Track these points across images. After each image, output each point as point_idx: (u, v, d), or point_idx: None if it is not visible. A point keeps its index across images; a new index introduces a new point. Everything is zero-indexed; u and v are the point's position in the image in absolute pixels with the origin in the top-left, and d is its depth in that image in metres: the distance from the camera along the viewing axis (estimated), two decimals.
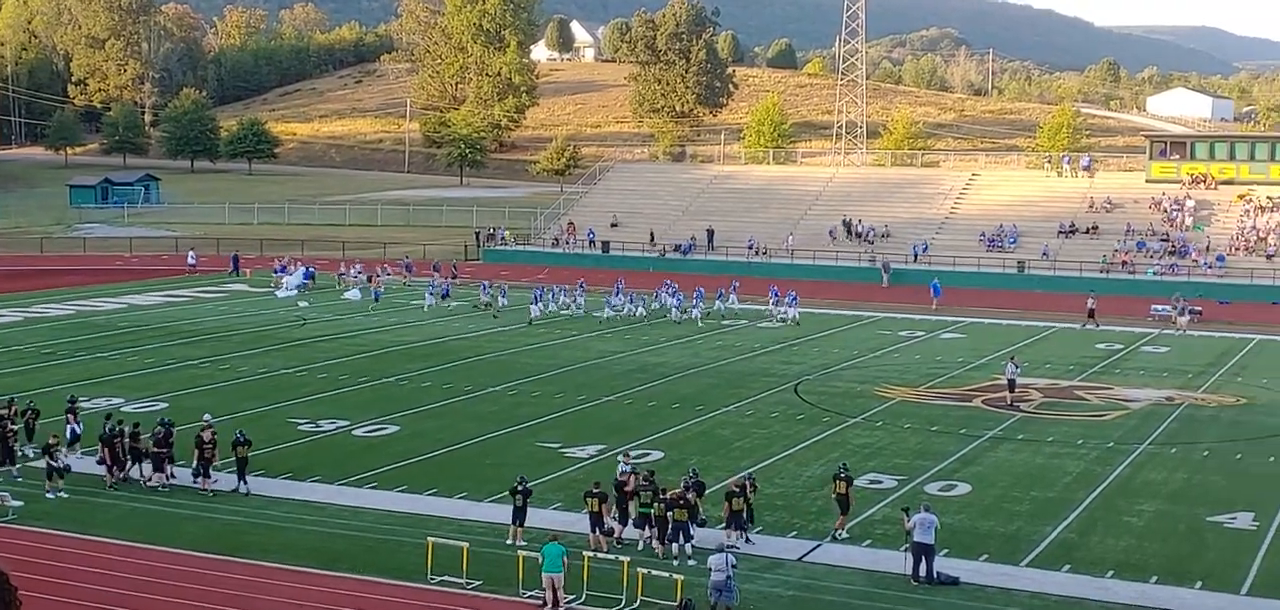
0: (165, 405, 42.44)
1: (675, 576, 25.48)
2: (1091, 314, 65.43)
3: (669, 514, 28.22)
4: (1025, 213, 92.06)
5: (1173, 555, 28.87)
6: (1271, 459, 37.89)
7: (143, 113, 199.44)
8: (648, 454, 36.47)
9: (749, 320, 65.43)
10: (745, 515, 29.07)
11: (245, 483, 32.65)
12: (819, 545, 29.20)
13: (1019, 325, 65.74)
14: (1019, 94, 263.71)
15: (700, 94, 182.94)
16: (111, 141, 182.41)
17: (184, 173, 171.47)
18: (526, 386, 47.60)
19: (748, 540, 28.86)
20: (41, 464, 33.39)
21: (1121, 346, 59.31)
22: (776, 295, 67.13)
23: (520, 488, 29.06)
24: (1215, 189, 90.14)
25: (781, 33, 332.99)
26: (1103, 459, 37.56)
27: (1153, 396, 47.22)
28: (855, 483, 30.58)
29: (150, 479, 33.23)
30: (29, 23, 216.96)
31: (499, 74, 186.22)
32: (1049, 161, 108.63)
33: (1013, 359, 48.52)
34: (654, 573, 25.82)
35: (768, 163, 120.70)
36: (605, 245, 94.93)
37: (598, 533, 28.46)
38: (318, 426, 40.58)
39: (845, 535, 29.55)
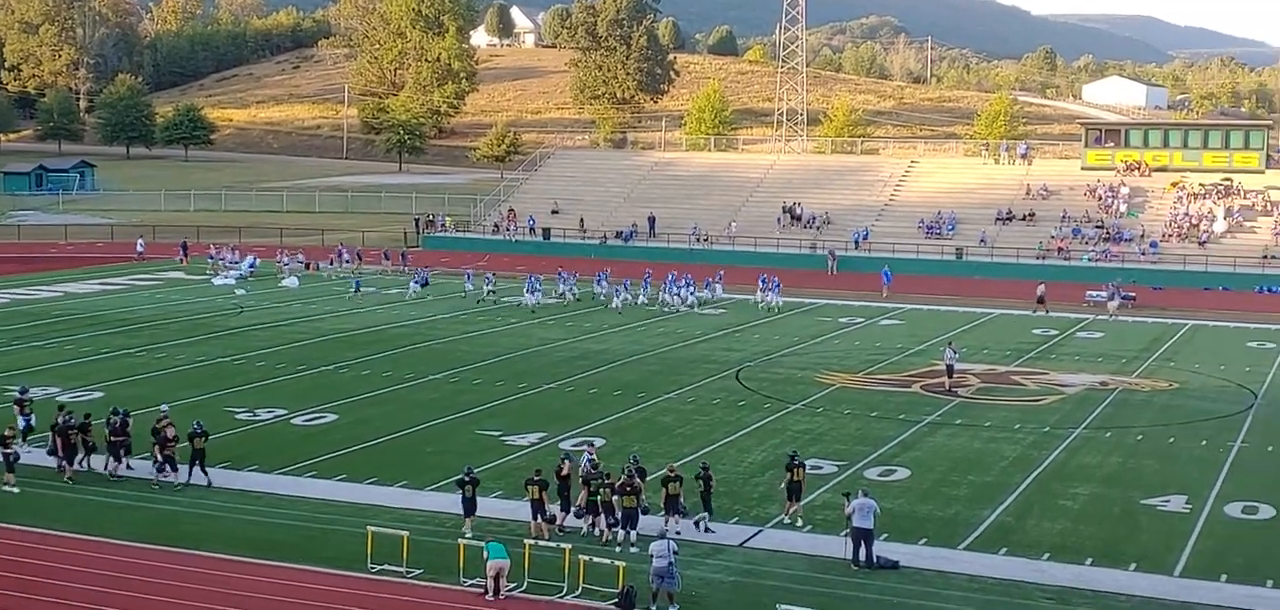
0: (101, 395, 41.96)
1: (617, 564, 25.52)
2: (1041, 300, 66.07)
3: (615, 499, 28.29)
4: (963, 200, 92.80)
5: (1107, 538, 29.25)
6: (1203, 443, 38.47)
7: (77, 99, 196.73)
8: (591, 441, 36.48)
9: (726, 308, 65.22)
10: (682, 502, 29.06)
11: (205, 474, 32.25)
12: (760, 531, 29.34)
13: (957, 311, 66.31)
14: (957, 82, 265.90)
15: (641, 80, 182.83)
16: (46, 128, 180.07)
17: (119, 159, 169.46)
18: (467, 374, 47.46)
19: (707, 529, 28.88)
20: None
21: (1057, 332, 59.97)
22: (764, 282, 67.15)
23: (468, 479, 28.85)
24: (1149, 176, 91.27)
25: (722, 20, 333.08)
26: (1039, 443, 37.99)
27: (1088, 381, 47.79)
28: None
29: (113, 469, 32.82)
30: None
31: (438, 59, 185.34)
32: (987, 149, 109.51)
33: (951, 345, 49.12)
34: (596, 560, 25.85)
35: (709, 150, 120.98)
36: (546, 232, 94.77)
37: (539, 520, 28.45)
38: (255, 415, 40.26)
39: (802, 523, 29.69)
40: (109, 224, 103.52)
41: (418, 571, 26.28)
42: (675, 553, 24.98)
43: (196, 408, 39.80)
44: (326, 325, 58.90)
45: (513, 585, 25.40)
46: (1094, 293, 69.54)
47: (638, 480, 28.69)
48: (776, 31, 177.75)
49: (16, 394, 37.37)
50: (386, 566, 26.42)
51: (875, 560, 27.02)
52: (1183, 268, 79.92)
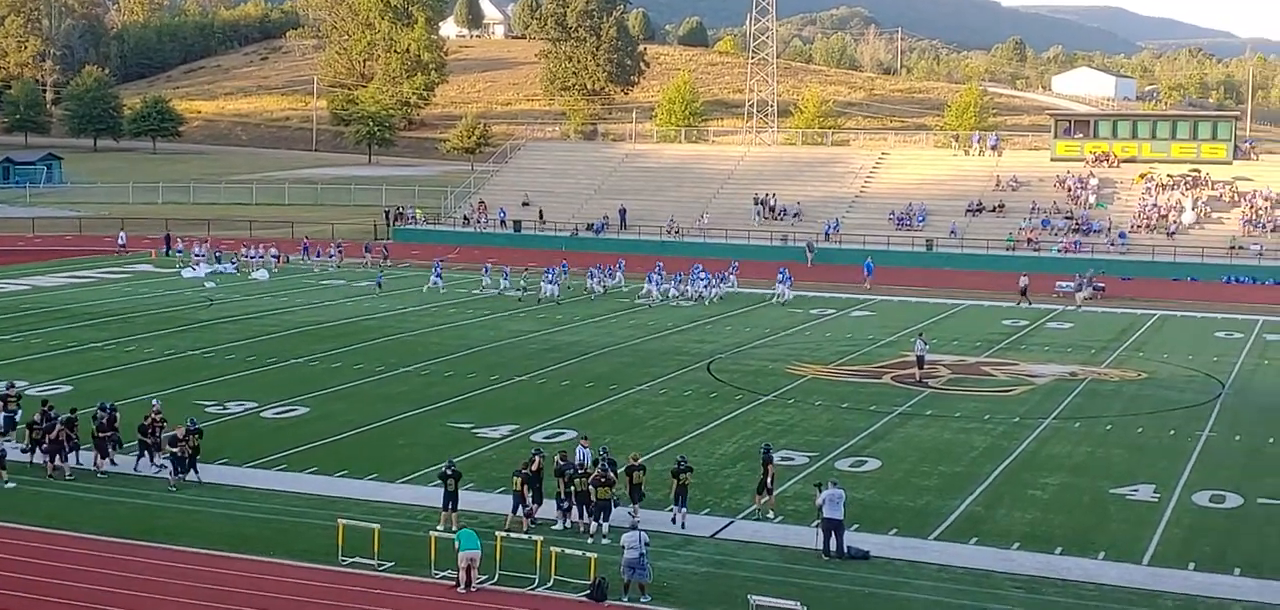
0: (69, 388, 41.70)
1: (589, 555, 25.52)
2: (1024, 292, 66.36)
3: (591, 489, 28.28)
4: (934, 191, 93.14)
5: (1077, 527, 29.42)
6: (1171, 432, 38.72)
7: (44, 91, 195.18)
8: (562, 433, 36.45)
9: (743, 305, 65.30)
10: (640, 491, 29.05)
11: (196, 472, 32.06)
12: (732, 522, 29.39)
13: (927, 302, 66.55)
14: (927, 73, 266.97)
15: (611, 72, 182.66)
16: (12, 120, 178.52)
17: (87, 152, 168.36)
18: (439, 367, 47.37)
19: (681, 525, 28.83)
20: None
21: (1027, 323, 60.28)
22: (783, 275, 67.21)
23: (449, 472, 28.67)
24: (1118, 167, 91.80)
25: (692, 11, 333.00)
26: (1009, 434, 38.18)
27: (1057, 372, 48.07)
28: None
29: (100, 465, 32.66)
30: None
31: (407, 51, 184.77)
32: (957, 140, 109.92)
33: (921, 336, 49.27)
34: (567, 551, 25.84)
35: (680, 141, 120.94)
36: (517, 224, 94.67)
37: (519, 512, 28.41)
38: (225, 408, 40.08)
39: (774, 515, 29.75)
40: (77, 217, 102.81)
41: (389, 564, 26.22)
42: (646, 544, 25.00)
43: (166, 401, 39.52)
44: (297, 317, 58.68)
45: (484, 577, 25.37)
46: (1063, 283, 69.89)
47: (611, 473, 28.67)
48: (747, 22, 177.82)
49: (2, 390, 36.82)
50: (358, 559, 26.35)
51: (846, 550, 27.10)
52: (1151, 258, 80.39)
